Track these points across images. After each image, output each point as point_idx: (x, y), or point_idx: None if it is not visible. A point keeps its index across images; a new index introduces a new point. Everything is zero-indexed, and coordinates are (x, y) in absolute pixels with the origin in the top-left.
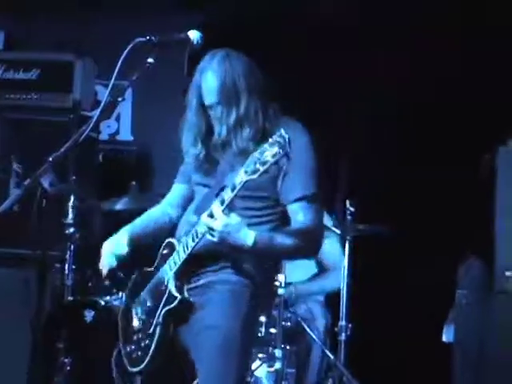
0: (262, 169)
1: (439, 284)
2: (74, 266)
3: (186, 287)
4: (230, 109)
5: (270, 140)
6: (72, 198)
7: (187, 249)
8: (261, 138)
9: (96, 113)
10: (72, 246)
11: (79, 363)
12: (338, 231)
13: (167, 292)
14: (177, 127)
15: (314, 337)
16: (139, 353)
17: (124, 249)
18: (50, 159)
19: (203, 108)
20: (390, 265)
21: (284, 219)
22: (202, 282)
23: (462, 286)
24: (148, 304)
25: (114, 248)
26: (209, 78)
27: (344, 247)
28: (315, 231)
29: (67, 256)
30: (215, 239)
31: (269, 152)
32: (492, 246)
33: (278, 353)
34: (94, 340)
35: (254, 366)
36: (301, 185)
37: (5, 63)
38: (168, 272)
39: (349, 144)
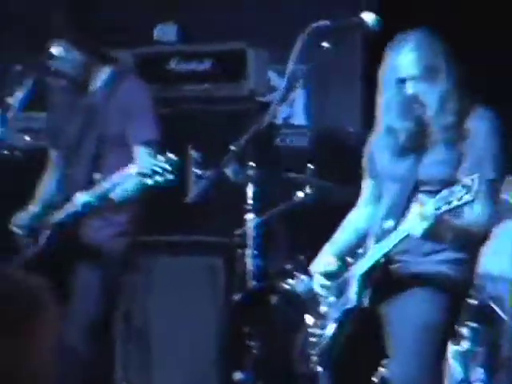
0: (444, 208)
1: None
2: (255, 252)
3: (369, 291)
4: (431, 84)
5: (463, 181)
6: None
7: (383, 251)
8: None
9: (274, 99)
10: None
11: (266, 347)
12: None
13: (349, 292)
14: (351, 111)
15: (502, 315)
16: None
17: (333, 264)
18: (233, 148)
19: (399, 85)
20: None
21: None
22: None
23: None
24: (334, 296)
25: (322, 267)
26: (406, 52)
27: None
28: None
29: (249, 242)
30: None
31: (458, 194)
32: None
33: (465, 331)
34: (280, 324)
35: None
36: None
37: (178, 55)
38: (357, 272)
39: None
